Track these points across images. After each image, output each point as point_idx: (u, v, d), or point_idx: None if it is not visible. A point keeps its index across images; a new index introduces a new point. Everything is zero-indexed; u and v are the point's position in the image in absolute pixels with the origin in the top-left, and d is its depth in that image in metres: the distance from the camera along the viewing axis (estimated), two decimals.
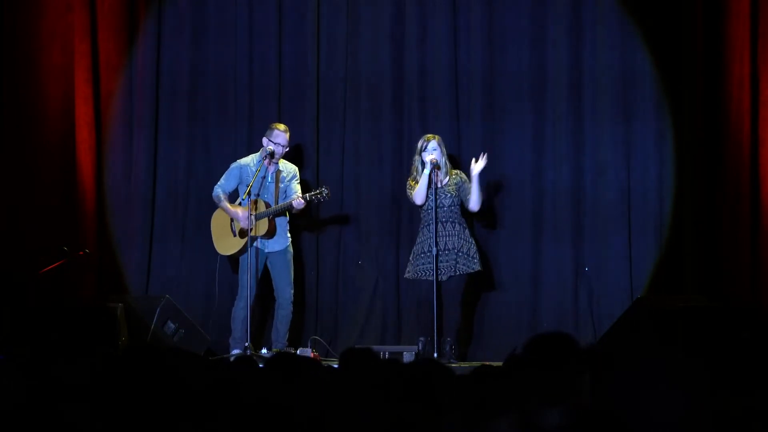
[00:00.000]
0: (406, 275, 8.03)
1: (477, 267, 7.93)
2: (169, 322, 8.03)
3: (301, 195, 7.94)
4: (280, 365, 3.41)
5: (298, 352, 7.86)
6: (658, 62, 8.49)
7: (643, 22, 8.51)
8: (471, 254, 7.91)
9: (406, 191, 8.04)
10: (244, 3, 8.85)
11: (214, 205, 8.59)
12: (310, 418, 2.69)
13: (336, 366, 3.99)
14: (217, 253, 8.47)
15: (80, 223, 8.53)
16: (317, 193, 7.91)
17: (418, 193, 7.84)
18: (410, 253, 8.02)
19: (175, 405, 2.54)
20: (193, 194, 8.89)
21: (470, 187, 7.86)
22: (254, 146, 8.68)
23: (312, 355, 8.02)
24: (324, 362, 7.76)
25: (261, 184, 7.96)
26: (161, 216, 8.88)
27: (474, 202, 7.91)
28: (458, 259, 7.85)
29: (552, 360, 2.83)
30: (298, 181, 8.20)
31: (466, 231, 7.95)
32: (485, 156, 7.84)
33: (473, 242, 7.97)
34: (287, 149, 8.13)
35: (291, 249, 8.21)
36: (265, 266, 8.19)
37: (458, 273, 7.87)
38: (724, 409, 2.43)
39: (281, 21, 8.86)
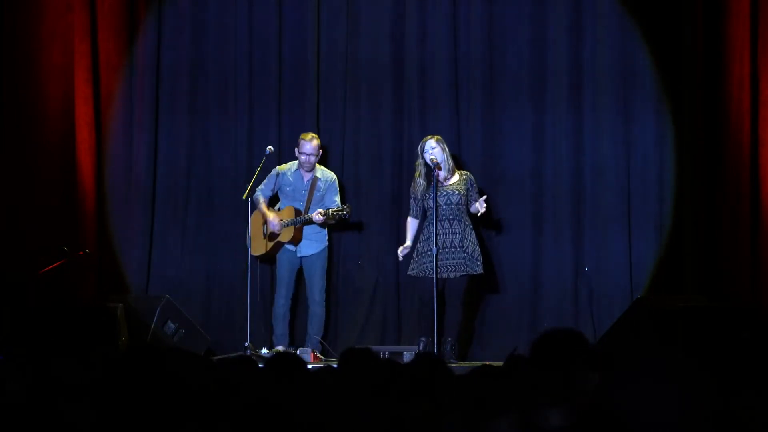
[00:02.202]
0: (410, 272, 8.04)
1: (479, 269, 7.94)
2: (169, 322, 8.04)
3: (322, 211, 7.98)
4: (280, 365, 3.41)
5: (298, 352, 7.88)
6: (658, 62, 8.49)
7: (643, 21, 8.51)
8: (475, 256, 7.93)
9: (409, 192, 8.09)
10: (244, 2, 8.85)
11: (214, 206, 8.63)
12: (309, 418, 2.69)
13: (336, 366, 3.98)
14: (216, 254, 8.51)
15: (80, 223, 8.52)
16: (338, 211, 7.99)
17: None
18: (414, 251, 8.04)
19: (175, 405, 2.54)
20: (194, 194, 8.88)
21: (477, 205, 7.87)
22: (254, 146, 8.69)
23: (312, 355, 8.03)
24: (324, 362, 7.78)
25: (291, 194, 8.15)
26: (161, 216, 8.88)
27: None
28: (465, 259, 7.86)
29: (562, 359, 2.83)
30: (337, 190, 8.28)
31: (473, 232, 7.97)
32: (484, 203, 7.85)
33: (477, 244, 7.97)
34: (317, 156, 8.19)
35: (326, 254, 8.33)
36: (301, 267, 8.29)
37: (466, 273, 7.88)
38: (723, 409, 2.43)
39: (281, 20, 8.85)
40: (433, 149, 7.92)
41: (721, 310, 7.37)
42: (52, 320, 7.40)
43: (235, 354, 7.96)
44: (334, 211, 8.02)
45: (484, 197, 7.84)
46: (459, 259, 7.86)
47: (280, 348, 8.14)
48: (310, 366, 5.51)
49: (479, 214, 7.84)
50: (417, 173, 8.00)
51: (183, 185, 8.89)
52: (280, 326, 8.25)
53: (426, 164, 7.95)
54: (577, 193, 8.59)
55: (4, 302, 7.80)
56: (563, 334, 2.95)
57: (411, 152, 8.55)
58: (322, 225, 8.18)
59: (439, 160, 7.90)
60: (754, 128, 8.08)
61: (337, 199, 8.25)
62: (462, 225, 7.91)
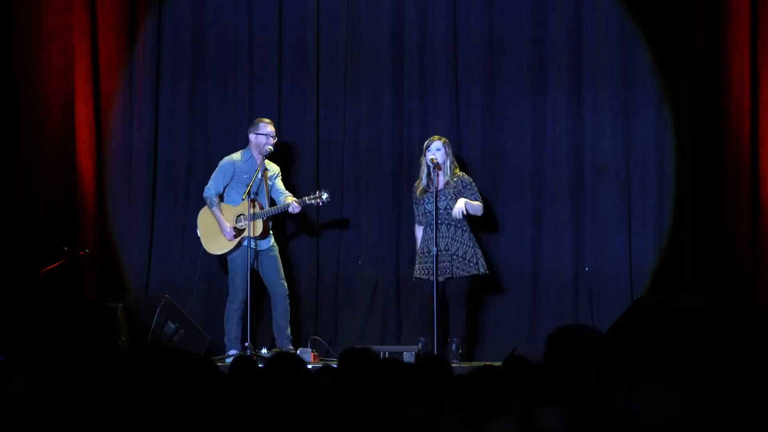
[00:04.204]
0: (415, 276, 8.09)
1: (474, 271, 7.94)
2: (169, 322, 8.03)
3: (297, 200, 7.98)
4: (280, 365, 3.41)
5: (298, 352, 7.87)
6: (658, 61, 8.49)
7: (644, 21, 8.51)
8: (468, 258, 7.93)
9: (410, 195, 8.19)
10: (244, 2, 8.86)
11: None
12: (309, 418, 2.69)
13: (336, 366, 3.99)
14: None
15: (80, 223, 8.53)
16: (316, 198, 7.96)
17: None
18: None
19: (175, 405, 2.54)
20: (193, 194, 8.88)
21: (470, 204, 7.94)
22: None
23: (312, 355, 8.03)
24: (324, 362, 7.78)
25: (260, 185, 8.05)
26: (161, 216, 8.89)
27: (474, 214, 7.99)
28: (453, 262, 7.88)
29: (575, 353, 2.83)
30: (280, 178, 8.31)
31: (465, 234, 7.98)
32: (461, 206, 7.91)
33: (473, 246, 7.98)
34: (275, 140, 8.22)
35: (276, 244, 8.28)
36: (256, 265, 8.23)
37: (455, 276, 7.90)
38: (722, 409, 2.43)
39: (281, 19, 8.86)
40: (438, 151, 7.94)
41: (721, 310, 7.37)
42: (52, 320, 7.40)
43: (234, 353, 7.99)
44: (311, 198, 8.00)
45: (460, 208, 7.88)
46: (446, 263, 7.88)
47: (234, 352, 8.00)
48: (310, 366, 5.52)
49: (458, 211, 7.89)
50: (419, 178, 8.06)
51: (183, 185, 8.90)
52: (234, 329, 8.10)
53: (426, 164, 7.98)
54: (577, 192, 8.59)
55: (4, 302, 7.80)
56: (580, 330, 2.96)
57: (411, 152, 8.56)
58: (296, 214, 8.14)
59: (440, 162, 7.92)
60: (754, 128, 8.08)
61: (281, 184, 8.24)
62: (451, 229, 7.91)
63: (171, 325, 8.04)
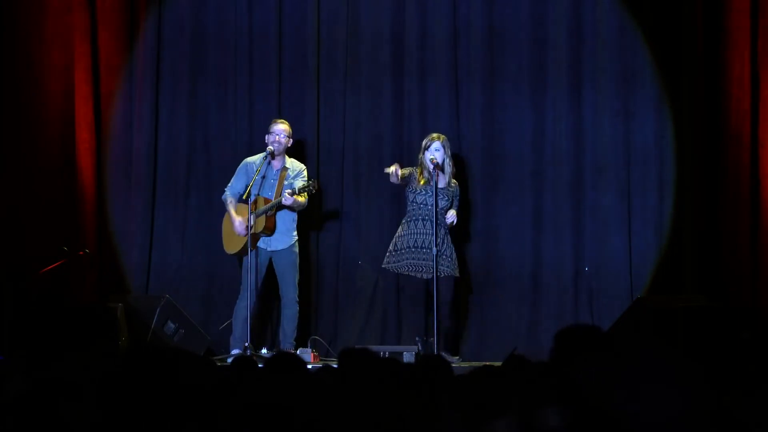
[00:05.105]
0: (385, 265, 8.05)
1: (456, 272, 7.96)
2: (169, 322, 8.04)
3: (290, 191, 7.93)
4: (280, 365, 3.41)
5: (298, 352, 7.87)
6: (658, 61, 8.49)
7: (643, 20, 8.51)
8: (453, 258, 7.95)
9: (406, 190, 8.11)
10: (244, 2, 8.86)
11: (214, 206, 8.61)
12: (309, 418, 2.69)
13: (336, 366, 3.99)
14: (216, 254, 8.50)
15: (80, 222, 8.53)
16: (305, 187, 7.93)
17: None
18: (391, 244, 8.06)
19: (175, 405, 2.54)
20: (194, 194, 8.89)
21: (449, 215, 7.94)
22: (254, 146, 8.69)
23: (312, 355, 8.03)
24: (324, 362, 7.78)
25: (261, 183, 8.02)
26: (161, 216, 8.89)
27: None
28: (440, 260, 7.88)
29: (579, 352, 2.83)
30: (305, 177, 8.17)
31: (448, 236, 8.00)
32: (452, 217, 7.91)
33: (451, 247, 7.99)
34: (288, 142, 8.15)
35: (296, 249, 8.19)
36: (270, 266, 8.20)
37: (441, 275, 7.88)
38: (723, 409, 2.43)
39: (281, 19, 8.86)
40: (437, 151, 7.94)
41: (721, 310, 7.37)
42: (52, 320, 7.40)
43: (236, 352, 7.98)
44: (301, 187, 7.91)
45: (452, 219, 7.90)
46: (428, 260, 7.86)
47: (236, 352, 7.95)
48: (310, 366, 5.52)
49: (450, 224, 7.91)
50: (419, 165, 8.03)
51: (183, 185, 8.90)
52: (240, 329, 8.06)
53: (426, 163, 7.98)
54: (577, 192, 8.59)
55: (4, 302, 7.80)
56: (588, 330, 2.96)
57: (411, 152, 8.55)
58: (292, 208, 8.04)
59: (439, 161, 7.92)
60: (754, 128, 8.09)
61: (303, 184, 8.09)
62: (441, 230, 7.90)
63: (171, 325, 8.04)
